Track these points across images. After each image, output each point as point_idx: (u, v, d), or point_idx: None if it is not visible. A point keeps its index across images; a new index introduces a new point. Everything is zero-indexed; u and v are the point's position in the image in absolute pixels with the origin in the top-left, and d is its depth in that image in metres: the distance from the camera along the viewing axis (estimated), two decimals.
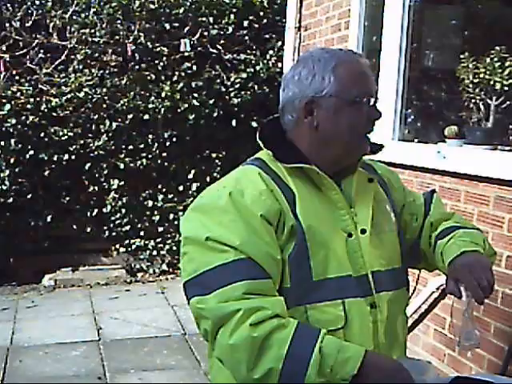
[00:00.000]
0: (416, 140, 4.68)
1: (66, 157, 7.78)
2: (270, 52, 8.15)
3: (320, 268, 1.80)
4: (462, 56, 4.47)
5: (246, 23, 8.10)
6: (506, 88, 4.18)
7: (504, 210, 3.38)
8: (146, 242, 8.12)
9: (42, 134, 7.68)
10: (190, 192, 8.05)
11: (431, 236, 2.10)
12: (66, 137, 7.75)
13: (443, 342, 3.76)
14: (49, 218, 7.76)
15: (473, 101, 4.40)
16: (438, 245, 2.04)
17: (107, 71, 7.92)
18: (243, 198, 1.80)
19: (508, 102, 4.16)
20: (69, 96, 7.73)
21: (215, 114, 8.05)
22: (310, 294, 1.79)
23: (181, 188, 8.09)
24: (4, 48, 7.50)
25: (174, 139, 8.04)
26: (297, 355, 1.63)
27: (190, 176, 8.08)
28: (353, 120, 1.85)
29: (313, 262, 1.79)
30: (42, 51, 7.65)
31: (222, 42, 8.09)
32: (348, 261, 1.84)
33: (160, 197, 8.10)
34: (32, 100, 7.60)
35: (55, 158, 7.73)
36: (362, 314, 1.83)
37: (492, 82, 4.23)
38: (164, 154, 8.06)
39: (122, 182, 7.99)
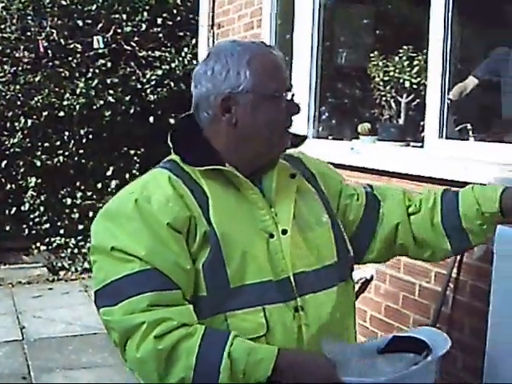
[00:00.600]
0: (330, 137, 4.75)
1: None
2: (185, 49, 8.11)
3: (237, 274, 1.71)
4: (372, 54, 4.56)
5: (159, 20, 8.04)
6: (415, 86, 4.28)
7: None
8: (67, 240, 7.99)
9: None
10: (109, 189, 7.95)
11: (421, 203, 2.05)
12: None
13: (366, 334, 3.82)
14: None
15: (384, 98, 4.49)
16: (459, 197, 2.02)
17: (20, 68, 7.74)
18: (149, 204, 1.70)
19: (418, 100, 4.26)
20: None
21: (132, 111, 7.97)
22: (229, 302, 1.70)
23: (99, 185, 7.99)
24: None
25: (91, 136, 7.93)
26: (206, 363, 1.58)
27: (109, 173, 7.98)
28: (272, 115, 1.77)
29: (229, 268, 1.70)
30: None
31: (136, 39, 8.01)
32: (269, 264, 1.74)
33: (79, 194, 7.98)
34: None
35: None
36: (284, 319, 1.73)
37: (401, 80, 4.33)
38: (81, 151, 7.94)
39: (40, 180, 7.83)
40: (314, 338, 1.75)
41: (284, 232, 1.78)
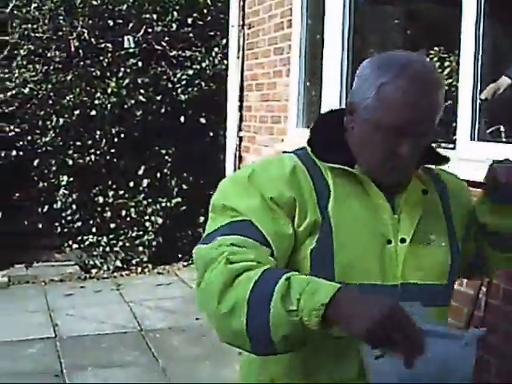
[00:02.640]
0: None
1: (14, 153, 7.65)
2: (216, 49, 8.11)
3: (344, 270, 1.71)
4: None
5: (190, 20, 8.05)
6: (447, 87, 4.23)
7: None
8: (99, 239, 8.02)
9: None
10: (141, 188, 7.99)
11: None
12: (13, 133, 7.62)
13: None
14: None
15: None
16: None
17: (51, 67, 7.80)
18: (262, 177, 1.78)
19: (449, 101, 4.22)
20: (13, 92, 7.58)
21: (163, 110, 7.99)
22: None
23: (131, 184, 8.01)
24: None
25: (122, 135, 7.96)
26: (263, 284, 1.54)
27: (140, 172, 8.00)
28: (374, 143, 1.74)
29: (337, 262, 1.71)
30: None
31: (166, 38, 8.03)
32: (378, 269, 1.74)
33: (110, 193, 8.02)
34: None
35: (3, 154, 7.59)
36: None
37: None
38: (112, 150, 7.98)
39: (72, 178, 7.88)
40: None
41: (403, 241, 1.77)
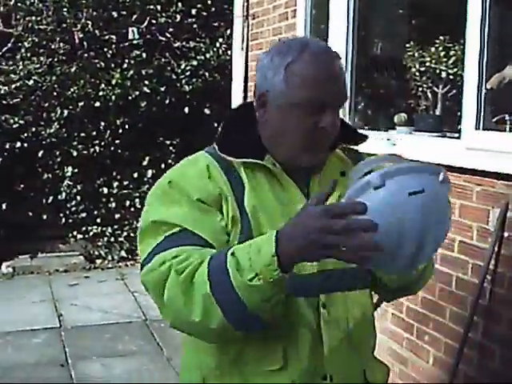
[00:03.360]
0: (366, 127, 4.71)
1: (19, 144, 7.66)
2: (220, 40, 8.12)
3: None
4: (407, 45, 4.52)
5: (194, 11, 8.05)
6: (452, 77, 4.23)
7: (454, 196, 3.43)
8: (104, 229, 8.06)
9: None
10: (145, 179, 8.01)
11: None
12: (18, 124, 7.63)
13: (401, 326, 3.81)
14: (4, 206, 7.63)
15: (420, 89, 4.45)
16: None
17: (56, 59, 7.79)
18: (183, 180, 1.75)
19: (454, 91, 4.22)
20: (18, 84, 7.58)
21: (167, 101, 8.01)
22: None
23: (135, 175, 8.04)
24: None
25: (127, 126, 7.98)
26: (215, 268, 1.56)
27: (145, 163, 8.04)
28: (295, 123, 1.71)
29: None
30: None
31: (170, 29, 8.04)
32: None
33: (115, 184, 8.04)
34: None
35: (7, 146, 7.59)
36: (303, 313, 1.73)
37: (438, 71, 4.28)
38: (117, 141, 8.00)
39: (76, 170, 7.90)
40: (334, 336, 1.76)
41: None
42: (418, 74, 4.39)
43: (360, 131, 1.94)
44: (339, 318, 1.78)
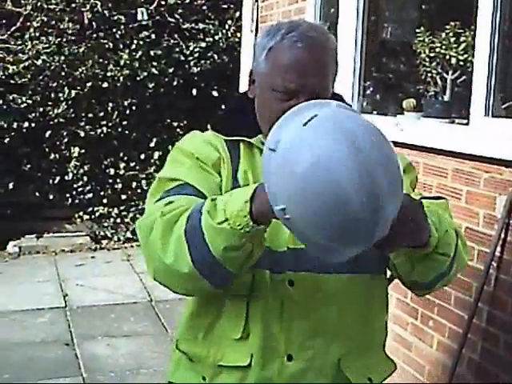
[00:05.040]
0: (375, 112, 4.71)
1: (26, 124, 7.67)
2: (229, 22, 8.11)
3: None
4: (417, 30, 4.50)
5: None
6: (462, 63, 4.22)
7: (462, 183, 3.44)
8: (110, 210, 8.08)
9: (1, 102, 7.55)
10: (152, 160, 8.03)
11: None
12: (25, 104, 7.63)
13: (406, 310, 3.83)
14: (11, 185, 7.65)
15: (429, 74, 4.43)
16: None
17: (64, 39, 7.77)
18: (188, 145, 1.87)
19: (464, 77, 4.20)
20: (26, 63, 7.58)
21: (175, 83, 8.00)
22: None
23: (142, 156, 8.06)
24: None
25: (134, 107, 7.98)
26: (193, 212, 1.60)
27: (152, 144, 8.05)
28: (269, 106, 1.78)
29: None
30: None
31: (179, 11, 8.01)
32: (271, 233, 1.70)
33: (122, 165, 8.05)
34: None
35: (15, 126, 7.60)
36: (268, 288, 1.75)
37: (448, 57, 4.26)
38: (124, 123, 8.00)
39: (83, 150, 7.91)
40: (298, 315, 1.77)
41: None
42: (427, 59, 4.37)
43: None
44: (307, 300, 1.78)
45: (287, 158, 1.41)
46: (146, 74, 7.82)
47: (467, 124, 3.60)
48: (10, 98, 7.57)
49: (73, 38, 7.78)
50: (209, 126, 1.93)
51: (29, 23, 7.65)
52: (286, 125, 1.49)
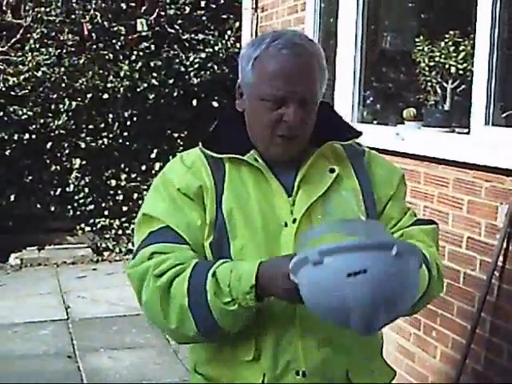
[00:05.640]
0: (375, 122, 4.71)
1: (27, 136, 7.66)
2: (229, 32, 8.11)
3: (240, 254, 1.76)
4: (417, 39, 4.51)
5: (203, 3, 8.04)
6: (461, 72, 4.23)
7: (463, 192, 3.44)
8: (111, 222, 8.08)
9: (1, 113, 7.55)
10: (153, 172, 8.00)
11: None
12: (26, 116, 7.63)
13: (409, 321, 3.82)
14: (12, 197, 7.65)
15: (429, 83, 4.45)
16: None
17: (64, 50, 7.78)
18: (171, 174, 1.86)
19: (464, 86, 4.21)
20: (26, 75, 7.59)
21: (175, 94, 8.01)
22: None
23: (143, 167, 8.05)
24: None
25: (135, 118, 7.98)
26: (195, 285, 1.67)
27: (153, 155, 8.05)
28: (260, 117, 1.79)
29: (232, 251, 1.77)
30: None
31: (179, 21, 8.02)
32: (272, 253, 1.74)
33: (123, 176, 8.05)
34: None
35: (16, 137, 7.60)
36: (278, 306, 1.76)
37: (447, 66, 4.28)
38: (125, 134, 8.00)
39: (84, 162, 7.91)
40: (310, 330, 1.78)
41: (294, 221, 1.80)
42: (427, 68, 4.39)
43: (355, 127, 1.97)
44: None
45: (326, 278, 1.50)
46: (146, 85, 7.82)
47: (468, 133, 3.60)
48: (11, 109, 7.58)
49: (73, 49, 7.79)
50: (200, 143, 1.91)
51: (29, 35, 7.66)
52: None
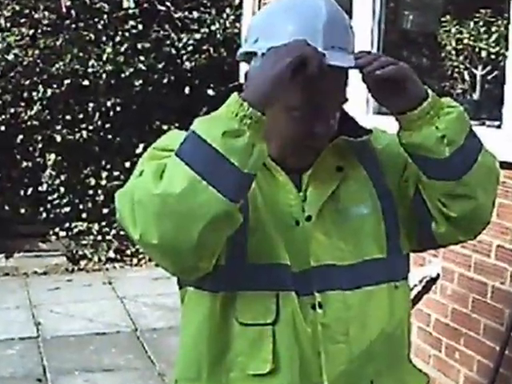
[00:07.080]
0: None
1: None
2: (227, 10, 8.16)
3: (256, 251, 1.78)
4: (443, 19, 4.52)
5: None
6: (493, 56, 4.23)
7: None
8: (90, 226, 8.08)
9: None
10: None
11: None
12: None
13: (428, 341, 3.82)
14: None
15: (456, 70, 4.45)
16: None
17: (39, 30, 7.84)
18: (165, 142, 1.85)
19: (496, 72, 4.21)
20: None
21: (165, 80, 8.05)
22: (244, 279, 1.79)
23: (127, 164, 8.02)
24: None
25: (119, 108, 8.01)
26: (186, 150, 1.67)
27: (139, 150, 8.00)
28: (285, 127, 1.83)
29: (249, 242, 1.78)
30: None
31: None
32: (288, 251, 1.79)
33: (104, 174, 8.08)
34: None
35: None
36: (296, 313, 1.77)
37: (477, 49, 4.28)
38: (107, 126, 8.04)
39: (60, 157, 7.94)
40: (332, 339, 1.79)
41: (308, 219, 1.83)
42: (454, 52, 4.39)
43: (365, 126, 1.98)
44: (337, 321, 1.81)
45: None
46: (132, 69, 7.86)
47: (499, 127, 3.61)
48: None
49: (49, 29, 7.84)
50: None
51: None
52: None
